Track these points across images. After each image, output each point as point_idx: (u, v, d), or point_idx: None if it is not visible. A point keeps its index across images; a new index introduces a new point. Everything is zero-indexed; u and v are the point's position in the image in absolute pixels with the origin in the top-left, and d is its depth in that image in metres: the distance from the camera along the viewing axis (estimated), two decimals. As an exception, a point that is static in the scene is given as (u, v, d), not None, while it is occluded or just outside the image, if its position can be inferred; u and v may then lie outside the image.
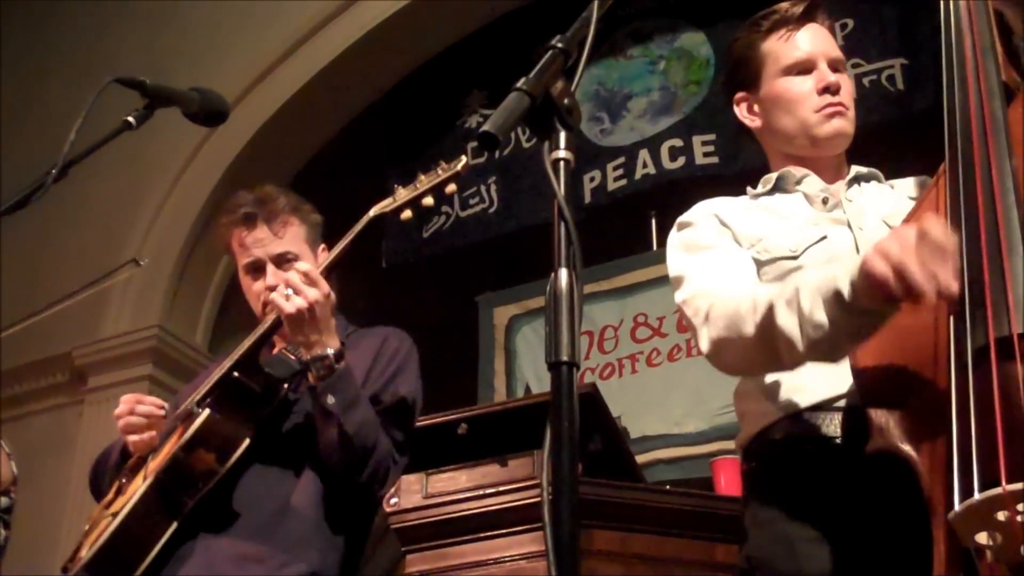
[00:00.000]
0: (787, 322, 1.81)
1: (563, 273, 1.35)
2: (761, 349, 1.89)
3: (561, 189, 1.39)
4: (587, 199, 5.95)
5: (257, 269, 2.62)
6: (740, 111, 2.33)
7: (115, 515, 2.36)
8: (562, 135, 1.43)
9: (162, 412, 2.50)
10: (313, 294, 2.35)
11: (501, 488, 3.44)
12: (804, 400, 1.99)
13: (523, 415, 3.64)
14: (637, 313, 5.94)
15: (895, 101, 5.23)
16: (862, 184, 2.24)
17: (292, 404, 2.52)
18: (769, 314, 1.84)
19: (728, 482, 3.89)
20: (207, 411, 2.37)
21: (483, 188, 6.33)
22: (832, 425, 1.95)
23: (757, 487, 2.07)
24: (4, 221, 2.10)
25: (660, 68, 6.13)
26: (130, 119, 2.24)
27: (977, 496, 1.49)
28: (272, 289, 2.53)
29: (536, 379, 5.91)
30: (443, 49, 6.18)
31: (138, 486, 2.38)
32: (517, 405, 4.02)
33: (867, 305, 1.68)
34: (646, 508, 3.47)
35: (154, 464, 2.39)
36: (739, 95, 2.33)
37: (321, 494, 2.43)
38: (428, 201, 2.42)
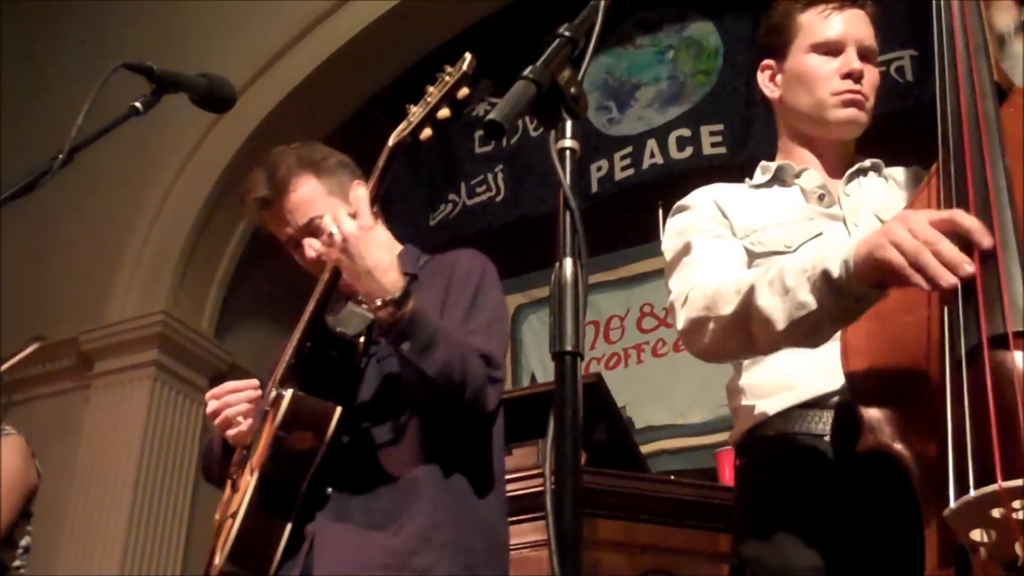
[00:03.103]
0: (768, 302, 1.79)
1: (568, 263, 1.35)
2: (736, 329, 1.88)
3: (567, 178, 1.38)
4: (594, 188, 5.95)
5: (297, 245, 2.50)
6: (763, 78, 2.31)
7: (234, 516, 2.27)
8: (568, 124, 1.43)
9: (258, 392, 2.40)
10: (349, 227, 2.15)
11: (506, 476, 3.44)
12: (796, 397, 1.99)
13: (528, 404, 3.64)
14: (643, 303, 5.94)
15: (904, 92, 5.22)
16: (862, 178, 2.22)
17: (377, 355, 2.40)
18: (750, 294, 1.83)
19: (733, 473, 3.89)
20: (290, 391, 2.25)
21: (490, 176, 6.33)
22: (823, 423, 1.95)
23: (748, 483, 2.08)
24: (10, 207, 2.09)
25: (669, 57, 6.12)
26: (137, 104, 2.23)
27: (973, 493, 1.48)
28: (315, 261, 2.43)
29: (542, 368, 5.92)
30: (451, 37, 6.16)
31: (247, 481, 2.29)
32: (522, 394, 4.01)
33: (857, 289, 1.67)
34: (650, 498, 3.48)
35: (256, 457, 2.30)
36: (765, 62, 2.30)
37: (422, 444, 2.30)
38: (444, 113, 2.17)
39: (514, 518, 3.37)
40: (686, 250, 2.12)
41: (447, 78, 2.18)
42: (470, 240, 6.33)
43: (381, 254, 2.17)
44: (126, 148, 5.74)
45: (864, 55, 2.20)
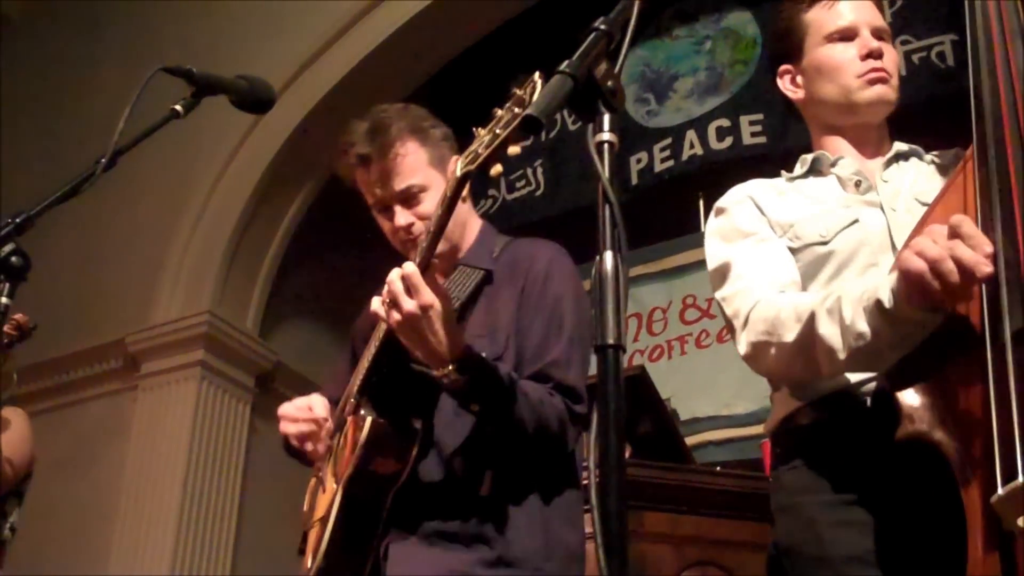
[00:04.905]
0: (828, 331, 1.81)
1: (608, 256, 1.35)
2: (800, 357, 1.90)
3: (605, 171, 1.39)
4: (634, 181, 5.94)
5: (385, 208, 2.45)
6: (783, 83, 2.31)
7: (324, 522, 2.29)
8: (606, 117, 1.43)
9: (324, 418, 2.36)
10: (408, 306, 2.05)
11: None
12: (831, 385, 1.98)
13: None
14: (686, 295, 5.92)
15: (945, 78, 5.16)
16: (901, 163, 2.20)
17: None
18: (811, 323, 1.85)
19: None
20: (370, 418, 2.23)
21: (530, 171, 6.33)
22: (858, 411, 1.94)
23: (783, 473, 2.06)
24: (56, 211, 2.11)
25: (706, 48, 6.09)
26: (177, 107, 2.25)
27: (1021, 479, 1.47)
28: (404, 229, 2.40)
29: (585, 362, 5.90)
30: (490, 32, 6.16)
31: (333, 490, 2.30)
32: (566, 388, 4.01)
33: (908, 313, 1.69)
34: (696, 490, 3.47)
35: (341, 468, 2.29)
36: (783, 67, 2.30)
37: (499, 464, 2.26)
38: (515, 150, 1.91)
39: (560, 512, 3.38)
40: (733, 259, 2.12)
41: (517, 109, 1.88)
42: (510, 235, 6.35)
43: (439, 332, 2.07)
44: (168, 150, 5.79)
45: (878, 36, 2.20)
